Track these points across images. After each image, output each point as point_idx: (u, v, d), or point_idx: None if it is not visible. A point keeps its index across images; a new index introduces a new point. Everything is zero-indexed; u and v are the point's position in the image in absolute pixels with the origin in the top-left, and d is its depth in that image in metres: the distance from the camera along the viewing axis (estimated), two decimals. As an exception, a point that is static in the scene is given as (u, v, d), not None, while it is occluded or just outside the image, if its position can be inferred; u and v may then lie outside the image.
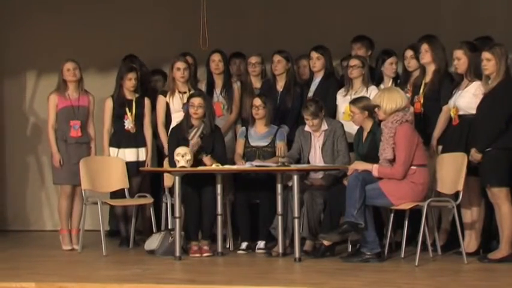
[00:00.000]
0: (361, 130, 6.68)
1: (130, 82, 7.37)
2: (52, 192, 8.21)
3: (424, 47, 6.75)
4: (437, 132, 6.62)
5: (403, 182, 6.22)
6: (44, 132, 7.84)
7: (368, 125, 6.58)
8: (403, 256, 6.41)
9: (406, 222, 6.37)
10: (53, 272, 6.28)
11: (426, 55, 6.76)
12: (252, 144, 7.12)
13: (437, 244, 6.52)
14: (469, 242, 6.46)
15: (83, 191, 7.11)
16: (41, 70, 8.80)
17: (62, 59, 7.44)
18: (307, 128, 6.89)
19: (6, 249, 7.53)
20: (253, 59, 7.57)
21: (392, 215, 6.45)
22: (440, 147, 6.61)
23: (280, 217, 6.58)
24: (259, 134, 7.13)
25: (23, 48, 8.83)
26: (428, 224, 6.37)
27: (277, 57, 7.42)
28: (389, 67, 7.18)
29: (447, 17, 8.00)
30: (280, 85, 7.47)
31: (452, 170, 6.29)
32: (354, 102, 6.62)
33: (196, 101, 6.85)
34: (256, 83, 7.59)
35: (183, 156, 6.66)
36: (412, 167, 6.23)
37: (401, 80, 7.13)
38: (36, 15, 8.79)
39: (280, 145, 7.01)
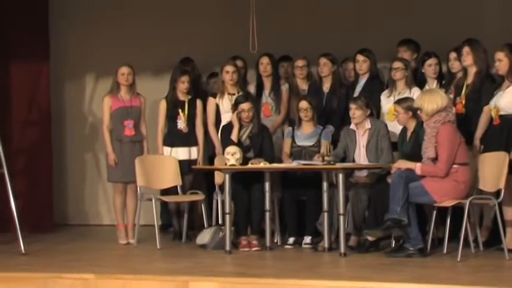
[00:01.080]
0: (405, 130, 6.65)
1: (183, 85, 7.42)
2: (109, 188, 8.26)
3: (466, 49, 6.68)
4: (479, 132, 6.54)
5: (446, 180, 6.16)
6: (100, 132, 7.91)
7: (412, 124, 6.54)
8: (445, 252, 6.34)
9: (449, 219, 6.30)
10: (110, 264, 6.37)
11: (468, 57, 6.68)
12: (298, 144, 7.12)
13: (479, 240, 6.45)
14: (511, 238, 6.36)
15: (138, 188, 7.18)
16: (98, 74, 8.89)
17: (119, 63, 7.51)
18: (352, 127, 6.87)
19: (67, 242, 7.63)
20: (300, 62, 7.57)
21: (434, 212, 6.39)
22: (481, 147, 6.52)
23: (326, 213, 6.56)
24: (305, 134, 7.12)
25: (82, 54, 8.92)
26: (470, 220, 6.28)
27: (323, 60, 7.41)
28: (428, 68, 7.12)
29: (491, 20, 7.89)
30: (326, 86, 7.45)
31: (493, 168, 6.22)
32: (398, 102, 6.60)
33: (246, 106, 6.92)
34: (303, 85, 7.59)
35: (232, 155, 6.69)
36: (455, 166, 6.17)
37: (446, 81, 7.07)
38: (95, 22, 8.87)
39: (326, 144, 6.97)
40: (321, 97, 7.38)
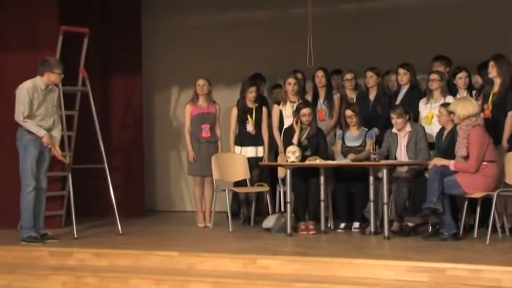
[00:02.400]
0: (442, 130, 6.52)
1: (251, 94, 7.41)
2: (190, 180, 8.29)
3: (491, 63, 6.50)
4: (506, 134, 6.34)
5: (476, 175, 6.02)
6: (182, 134, 7.95)
7: (449, 126, 6.42)
8: (475, 236, 6.16)
9: (479, 209, 6.13)
10: (191, 243, 6.40)
11: (493, 70, 6.50)
12: (348, 144, 7.03)
13: (506, 227, 6.28)
14: (532, 225, 6.19)
15: (214, 181, 7.19)
16: (182, 85, 8.94)
17: (198, 76, 7.53)
18: (394, 130, 6.77)
19: (156, 225, 7.71)
20: (349, 76, 7.47)
21: (466, 202, 6.22)
22: (508, 146, 6.33)
23: (372, 203, 6.46)
24: (353, 136, 7.03)
25: (169, 68, 9.00)
26: (497, 210, 6.10)
27: (369, 73, 7.30)
28: (459, 80, 6.94)
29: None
30: (372, 95, 7.33)
31: (518, 165, 6.06)
32: (444, 105, 6.49)
33: (307, 111, 6.89)
34: (351, 94, 7.48)
35: (293, 153, 6.66)
36: (484, 163, 6.03)
37: (476, 90, 6.90)
38: (179, 42, 8.94)
39: (370, 143, 6.86)
40: (367, 104, 7.27)
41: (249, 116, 7.41)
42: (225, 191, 7.05)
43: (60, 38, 7.15)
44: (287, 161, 6.69)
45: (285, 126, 7.20)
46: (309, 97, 7.53)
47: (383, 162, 6.44)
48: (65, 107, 6.97)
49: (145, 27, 8.79)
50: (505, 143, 6.36)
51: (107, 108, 8.46)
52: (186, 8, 8.87)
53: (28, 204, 6.35)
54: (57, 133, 6.53)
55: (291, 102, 7.29)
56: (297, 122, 6.90)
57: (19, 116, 6.30)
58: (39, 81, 6.43)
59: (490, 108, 6.52)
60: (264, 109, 7.47)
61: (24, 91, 6.32)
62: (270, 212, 7.12)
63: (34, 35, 7.33)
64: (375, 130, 7.08)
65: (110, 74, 8.55)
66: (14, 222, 6.95)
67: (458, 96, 6.88)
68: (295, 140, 6.85)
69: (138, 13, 8.71)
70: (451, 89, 7.02)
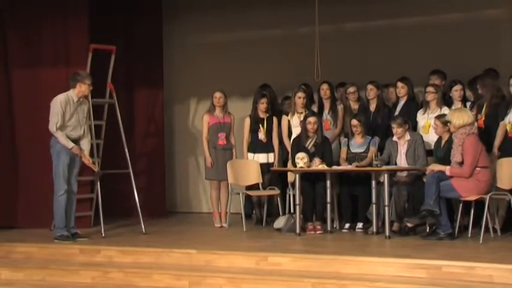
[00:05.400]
0: (439, 139, 6.48)
1: (262, 105, 7.40)
2: (207, 184, 8.29)
3: (478, 85, 6.55)
4: (497, 142, 6.33)
5: (470, 179, 5.99)
6: (200, 142, 7.95)
7: (446, 135, 6.38)
8: (469, 236, 6.12)
9: (472, 210, 6.09)
10: (208, 242, 6.37)
11: (481, 89, 6.53)
12: (352, 151, 6.99)
13: (497, 227, 6.22)
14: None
15: (229, 185, 7.18)
16: (199, 97, 8.94)
17: (214, 89, 7.53)
18: (394, 138, 6.74)
19: (175, 225, 7.70)
20: (352, 89, 7.43)
21: (461, 204, 6.18)
22: (499, 153, 6.30)
23: (374, 205, 6.43)
24: (357, 143, 7.00)
25: (187, 82, 9.00)
26: (489, 211, 6.06)
27: (370, 86, 7.27)
28: (454, 93, 6.88)
29: (507, 51, 7.58)
30: (372, 107, 7.30)
31: (509, 170, 6.05)
32: (438, 117, 6.46)
33: (312, 119, 6.85)
34: (354, 106, 7.44)
35: (301, 160, 6.64)
36: (477, 168, 5.99)
37: (471, 102, 6.86)
38: (197, 58, 8.95)
39: (373, 149, 6.83)
40: (368, 115, 7.23)
41: (260, 126, 7.40)
42: (239, 194, 7.04)
43: (90, 55, 7.20)
44: (296, 166, 6.67)
45: (293, 135, 7.19)
46: (315, 108, 7.51)
47: (384, 167, 6.41)
48: (94, 117, 7.00)
49: (166, 45, 8.82)
50: (495, 149, 6.33)
51: (131, 118, 8.48)
52: (204, 27, 8.89)
53: (60, 206, 6.37)
54: (86, 142, 6.55)
55: (298, 113, 7.28)
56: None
57: (52, 126, 6.33)
58: (72, 94, 6.46)
59: (483, 118, 6.51)
60: (275, 119, 7.46)
61: (58, 103, 6.35)
62: (280, 214, 7.09)
63: (66, 52, 7.39)
64: (376, 139, 7.05)
65: (134, 87, 8.58)
66: (47, 222, 6.98)
67: (453, 107, 6.85)
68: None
69: (159, 32, 8.75)
70: (446, 100, 6.98)
